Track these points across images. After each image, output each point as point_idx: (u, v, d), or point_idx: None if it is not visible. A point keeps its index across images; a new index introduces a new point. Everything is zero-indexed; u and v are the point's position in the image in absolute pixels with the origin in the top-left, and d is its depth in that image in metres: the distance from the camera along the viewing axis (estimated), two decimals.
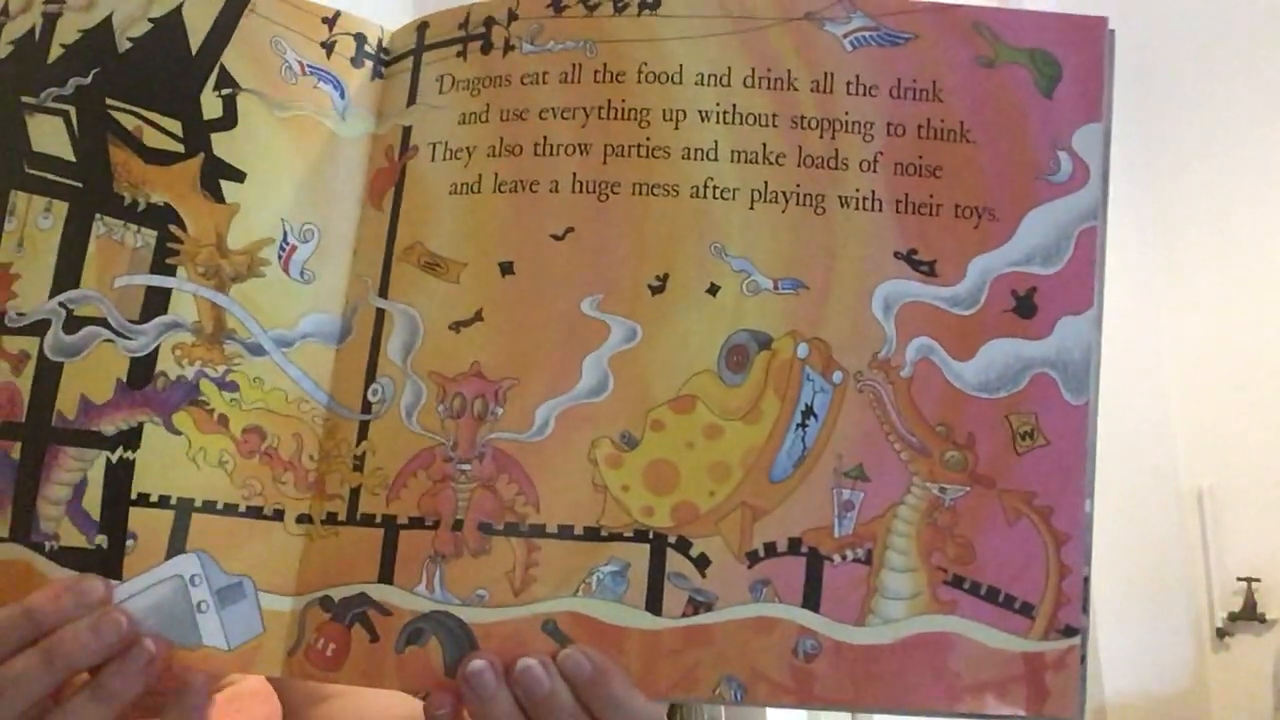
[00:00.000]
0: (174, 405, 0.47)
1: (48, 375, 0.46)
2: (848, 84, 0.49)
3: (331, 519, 0.48)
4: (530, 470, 0.47)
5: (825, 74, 0.49)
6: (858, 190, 0.48)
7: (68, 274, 0.47)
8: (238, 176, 0.49)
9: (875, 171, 0.49)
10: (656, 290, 0.48)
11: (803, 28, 0.50)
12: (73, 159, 0.49)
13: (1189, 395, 2.69)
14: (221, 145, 0.49)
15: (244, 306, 0.48)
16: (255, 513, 0.47)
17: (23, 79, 0.49)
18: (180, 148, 0.49)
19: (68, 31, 0.50)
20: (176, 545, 0.46)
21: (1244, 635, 2.61)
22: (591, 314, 0.48)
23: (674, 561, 0.46)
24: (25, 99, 0.49)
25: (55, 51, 0.49)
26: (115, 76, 0.49)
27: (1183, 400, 2.70)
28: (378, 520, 0.47)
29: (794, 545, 0.46)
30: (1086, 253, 0.48)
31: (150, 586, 0.45)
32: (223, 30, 0.50)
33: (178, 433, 0.47)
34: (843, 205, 0.48)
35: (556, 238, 0.49)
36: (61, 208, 0.48)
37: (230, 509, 0.47)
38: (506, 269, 0.49)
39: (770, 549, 0.46)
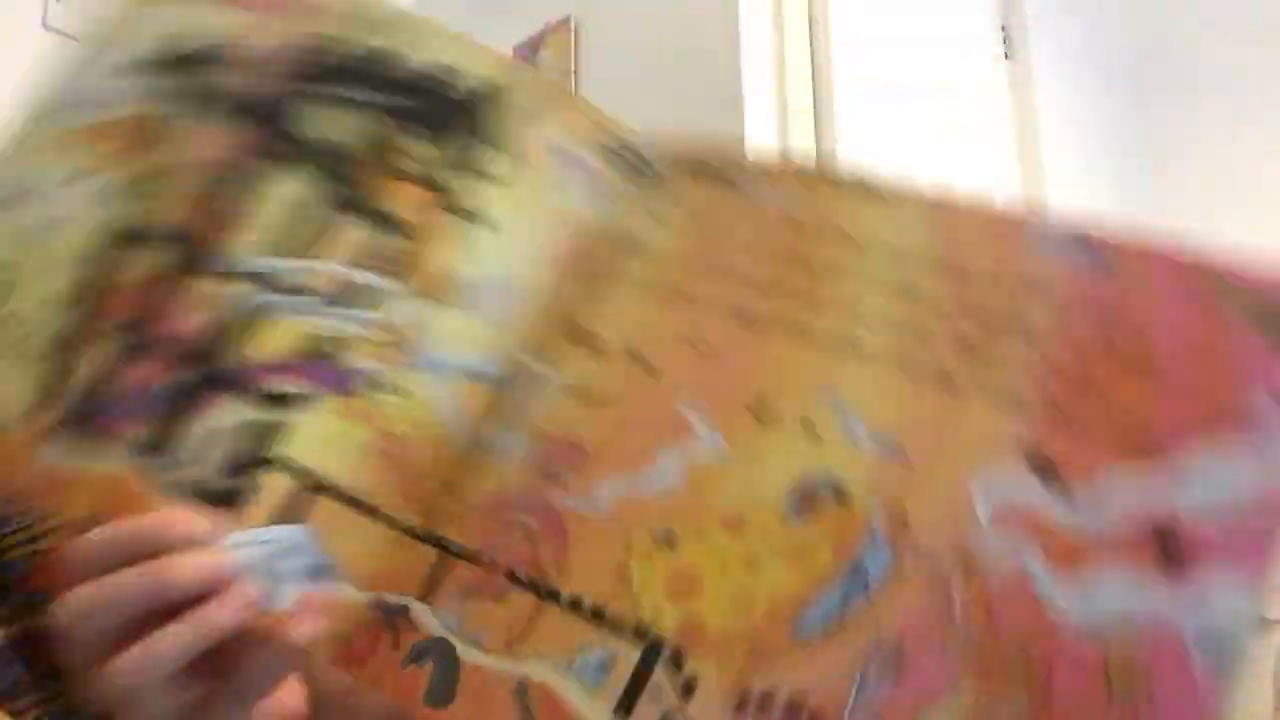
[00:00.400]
0: (335, 387, 0.52)
1: (237, 325, 0.52)
2: (1035, 289, 0.47)
3: (410, 532, 0.51)
4: (571, 537, 0.47)
5: (1013, 274, 0.47)
6: (1005, 386, 0.45)
7: (291, 244, 0.54)
8: (473, 218, 0.55)
9: (1032, 375, 0.45)
10: (757, 415, 0.47)
11: (1004, 229, 0.48)
12: (339, 150, 0.56)
13: None
14: (471, 188, 0.55)
15: (429, 326, 0.54)
16: (365, 507, 0.51)
17: (313, 70, 0.57)
18: (436, 177, 0.56)
19: (358, 46, 0.58)
20: (291, 514, 0.50)
21: None
22: (685, 414, 0.48)
23: (661, 673, 0.44)
24: (310, 88, 0.57)
25: (348, 60, 0.58)
26: (394, 96, 0.57)
27: None
28: (442, 543, 0.50)
29: (794, 707, 0.42)
30: (1267, 513, 0.41)
31: (253, 544, 0.47)
32: (498, 95, 0.58)
33: (329, 413, 0.52)
34: (982, 395, 0.45)
35: (693, 347, 0.50)
36: (313, 189, 0.55)
37: (345, 497, 0.51)
38: (639, 361, 0.50)
39: (766, 700, 0.42)
